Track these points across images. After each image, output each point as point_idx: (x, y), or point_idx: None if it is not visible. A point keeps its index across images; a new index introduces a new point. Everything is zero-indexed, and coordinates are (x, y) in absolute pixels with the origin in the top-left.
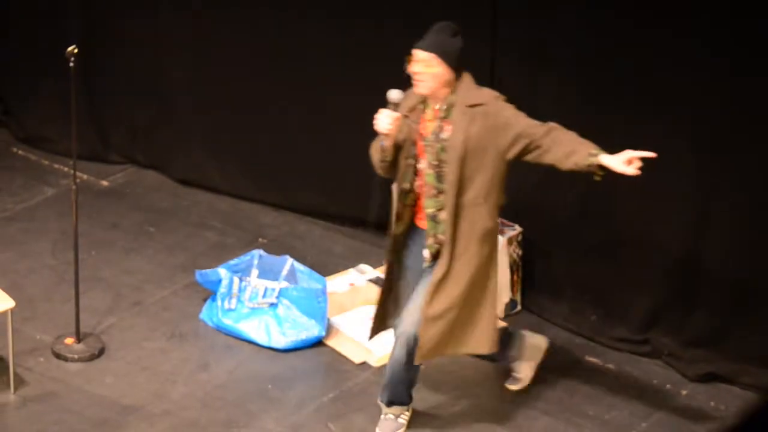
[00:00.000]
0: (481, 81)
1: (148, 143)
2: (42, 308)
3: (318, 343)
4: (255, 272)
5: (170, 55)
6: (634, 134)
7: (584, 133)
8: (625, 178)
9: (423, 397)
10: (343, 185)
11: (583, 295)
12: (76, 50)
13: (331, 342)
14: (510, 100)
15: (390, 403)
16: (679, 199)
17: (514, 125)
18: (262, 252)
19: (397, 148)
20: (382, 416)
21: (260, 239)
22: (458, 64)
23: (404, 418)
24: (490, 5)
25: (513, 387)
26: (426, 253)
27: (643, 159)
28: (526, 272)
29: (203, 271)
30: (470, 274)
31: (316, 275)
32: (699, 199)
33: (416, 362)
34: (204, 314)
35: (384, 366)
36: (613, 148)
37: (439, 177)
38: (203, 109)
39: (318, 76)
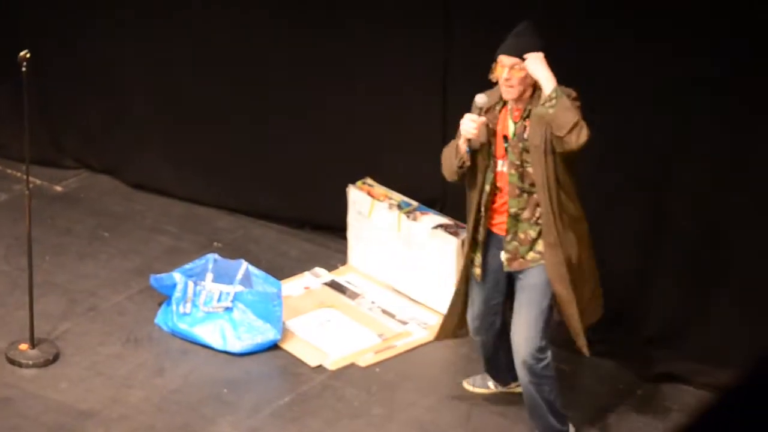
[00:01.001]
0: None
1: (102, 148)
2: None
3: (273, 346)
4: (210, 276)
5: (123, 59)
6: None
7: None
8: (581, 179)
9: (386, 397)
10: (297, 189)
11: None
12: (28, 55)
13: (286, 345)
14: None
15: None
16: (633, 198)
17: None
18: (216, 256)
19: (474, 153)
20: None
21: (215, 243)
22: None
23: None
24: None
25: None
26: (503, 256)
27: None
28: None
29: (158, 275)
30: (575, 259)
31: (271, 279)
32: (653, 198)
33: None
34: (159, 319)
35: (339, 370)
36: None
37: (522, 177)
38: (157, 113)
39: (272, 80)
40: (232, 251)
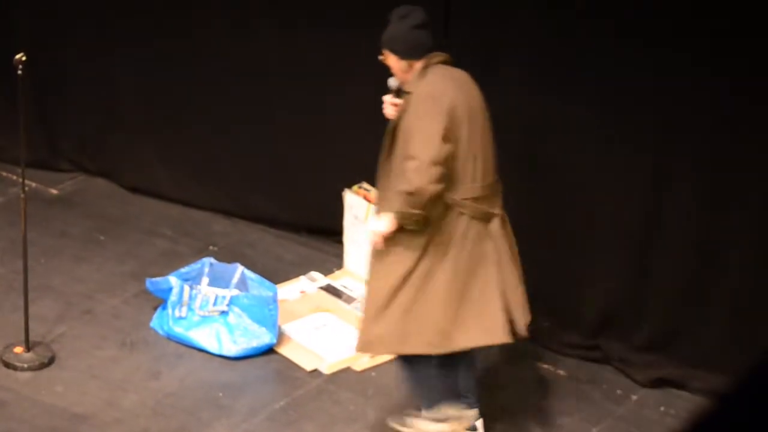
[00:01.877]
0: None
1: (98, 151)
2: None
3: (269, 350)
4: (205, 280)
5: (120, 62)
6: (590, 132)
7: (542, 133)
8: (573, 183)
9: (381, 404)
10: (293, 192)
11: (535, 301)
12: (24, 58)
13: (282, 349)
14: None
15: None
16: (627, 204)
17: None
18: (212, 260)
19: None
20: None
21: (211, 247)
22: (412, 49)
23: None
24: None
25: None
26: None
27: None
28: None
29: (154, 279)
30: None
31: (267, 283)
32: (648, 204)
33: None
34: (155, 322)
35: (335, 374)
36: (571, 146)
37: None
38: (153, 116)
39: (269, 84)
40: (227, 255)
